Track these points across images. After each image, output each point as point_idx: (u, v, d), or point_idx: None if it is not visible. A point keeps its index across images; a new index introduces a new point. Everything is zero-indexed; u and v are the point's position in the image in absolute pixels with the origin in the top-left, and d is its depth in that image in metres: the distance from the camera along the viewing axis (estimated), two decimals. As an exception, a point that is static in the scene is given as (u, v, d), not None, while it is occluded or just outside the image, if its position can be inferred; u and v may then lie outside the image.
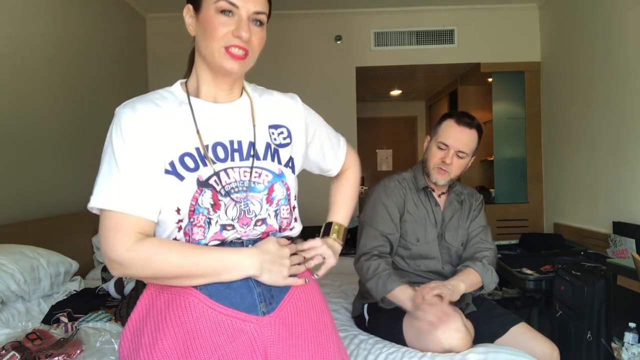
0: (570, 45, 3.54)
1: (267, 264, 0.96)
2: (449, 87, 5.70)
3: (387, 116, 7.32)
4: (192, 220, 0.94)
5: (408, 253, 1.73)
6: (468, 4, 4.06)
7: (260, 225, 1.00)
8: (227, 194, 0.96)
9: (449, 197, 1.80)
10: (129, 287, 2.11)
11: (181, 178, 0.94)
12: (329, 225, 1.21)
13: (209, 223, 0.95)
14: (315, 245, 1.08)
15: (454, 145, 1.68)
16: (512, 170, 4.23)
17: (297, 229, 1.09)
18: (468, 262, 1.70)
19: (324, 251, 1.08)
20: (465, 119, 1.69)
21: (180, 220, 0.94)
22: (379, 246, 1.69)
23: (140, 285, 2.01)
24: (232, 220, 0.96)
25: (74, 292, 2.11)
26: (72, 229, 2.70)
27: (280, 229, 1.04)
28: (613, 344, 2.03)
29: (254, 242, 1.00)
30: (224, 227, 0.96)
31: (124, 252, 0.90)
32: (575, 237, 3.36)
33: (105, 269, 2.41)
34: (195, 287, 0.95)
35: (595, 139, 3.17)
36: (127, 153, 0.93)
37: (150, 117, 0.96)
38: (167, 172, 0.94)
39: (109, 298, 2.10)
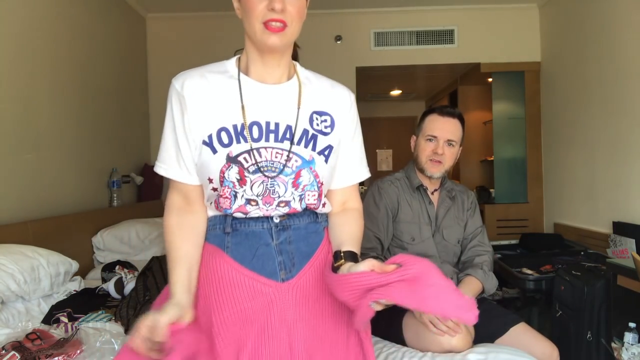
0: (570, 45, 3.54)
1: None
2: (449, 87, 5.70)
3: (387, 116, 7.32)
4: (219, 192, 1.03)
5: (405, 253, 1.73)
6: (468, 4, 4.05)
7: (283, 207, 1.04)
8: (257, 171, 1.01)
9: (441, 195, 1.82)
10: (129, 287, 2.11)
11: (214, 151, 1.01)
12: (354, 254, 1.05)
13: (235, 196, 1.02)
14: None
15: (442, 135, 1.72)
16: (512, 170, 4.23)
17: (328, 209, 1.13)
18: (469, 270, 1.71)
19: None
20: (447, 110, 1.76)
21: (215, 189, 1.03)
22: (373, 247, 1.70)
23: (140, 286, 2.01)
24: (257, 196, 1.02)
25: (74, 292, 2.11)
26: (72, 229, 2.70)
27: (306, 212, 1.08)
28: (613, 344, 2.03)
29: (279, 218, 1.04)
30: (248, 201, 1.02)
31: (166, 210, 1.10)
32: (575, 237, 3.36)
33: (105, 269, 2.40)
34: (225, 251, 1.05)
35: (595, 138, 3.17)
36: (173, 125, 1.05)
37: (195, 92, 1.03)
38: (204, 142, 1.02)
39: (109, 298, 2.10)
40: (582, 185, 3.36)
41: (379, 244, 1.72)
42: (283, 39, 1.00)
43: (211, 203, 1.06)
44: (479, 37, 4.14)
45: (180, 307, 0.98)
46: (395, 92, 6.41)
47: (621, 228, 2.75)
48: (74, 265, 2.17)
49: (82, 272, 2.53)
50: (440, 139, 1.72)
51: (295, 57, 1.19)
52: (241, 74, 1.06)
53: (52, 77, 2.68)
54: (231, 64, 1.08)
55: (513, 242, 3.47)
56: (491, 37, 4.13)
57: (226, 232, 1.05)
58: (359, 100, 4.73)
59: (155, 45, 4.15)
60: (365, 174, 1.24)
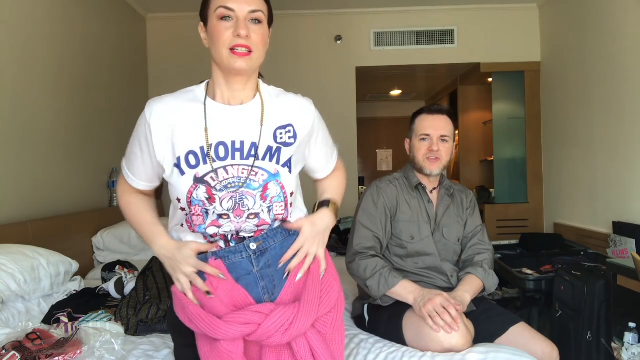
0: (570, 45, 3.54)
1: (167, 262, 1.13)
2: (449, 87, 5.70)
3: (387, 116, 7.32)
4: (190, 210, 1.10)
5: (405, 252, 1.74)
6: (468, 4, 4.06)
7: (253, 219, 1.11)
8: (224, 188, 1.08)
9: (440, 193, 1.83)
10: (129, 287, 2.11)
11: (182, 173, 1.08)
12: (322, 202, 1.26)
13: (207, 213, 1.09)
14: (297, 247, 1.14)
15: (434, 132, 1.76)
16: (512, 170, 4.23)
17: (295, 216, 1.19)
18: (469, 268, 1.72)
19: (311, 249, 1.15)
20: (435, 107, 1.81)
21: (183, 209, 1.11)
22: (373, 247, 1.70)
23: (140, 286, 2.01)
24: (228, 210, 1.09)
25: (74, 292, 2.11)
26: (72, 229, 2.70)
27: (274, 224, 1.14)
28: (613, 344, 2.03)
29: (255, 239, 1.11)
30: (220, 216, 1.09)
31: (118, 195, 1.24)
32: (575, 237, 3.36)
33: (105, 269, 2.40)
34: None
35: (595, 138, 3.17)
36: (139, 139, 1.13)
37: (164, 118, 1.10)
38: (174, 165, 1.09)
39: (109, 298, 2.10)
40: (582, 185, 3.36)
41: (377, 243, 1.72)
42: (249, 62, 1.07)
43: (182, 225, 1.14)
44: (479, 37, 4.14)
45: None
46: (395, 92, 6.41)
47: (621, 228, 2.75)
48: (74, 265, 2.17)
49: (82, 272, 2.53)
50: (434, 136, 1.75)
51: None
52: (207, 98, 1.13)
53: (52, 77, 2.68)
54: (200, 88, 1.15)
55: (513, 242, 3.47)
56: (491, 37, 4.13)
57: None
58: (359, 100, 4.74)
59: (155, 45, 4.15)
60: (335, 157, 1.35)
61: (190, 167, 1.08)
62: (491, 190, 4.51)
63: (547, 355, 1.53)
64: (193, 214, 1.09)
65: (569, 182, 3.58)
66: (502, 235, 3.83)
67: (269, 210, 1.11)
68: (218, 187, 1.07)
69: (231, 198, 1.08)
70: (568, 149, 3.58)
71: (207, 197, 1.07)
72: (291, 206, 1.15)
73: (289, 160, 1.14)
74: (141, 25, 4.08)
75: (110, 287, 2.14)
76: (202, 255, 1.11)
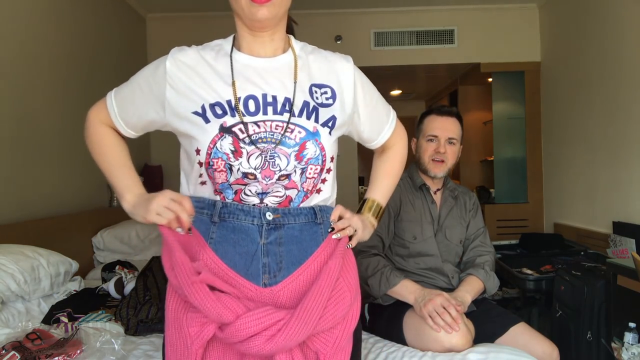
0: (570, 45, 3.54)
1: (138, 207, 1.00)
2: (449, 87, 5.70)
3: (387, 116, 7.32)
4: (212, 164, 0.96)
5: (406, 252, 1.74)
6: (468, 4, 4.06)
7: (283, 180, 0.97)
8: (253, 142, 0.95)
9: (444, 194, 1.83)
10: (129, 287, 2.11)
11: (207, 121, 0.96)
12: (365, 202, 1.21)
13: (230, 169, 0.96)
14: (344, 216, 1.05)
15: (442, 134, 1.74)
16: (512, 170, 4.23)
17: (327, 194, 1.06)
18: (471, 269, 1.72)
19: (354, 223, 1.05)
20: (445, 109, 1.79)
21: (201, 163, 0.98)
22: (375, 245, 1.71)
23: (140, 286, 2.01)
24: (255, 169, 0.95)
25: (74, 292, 2.11)
26: (72, 229, 2.70)
27: (303, 188, 1.00)
28: (613, 344, 2.03)
29: (275, 210, 0.98)
30: (245, 175, 0.96)
31: (90, 122, 1.14)
32: (575, 237, 3.36)
33: (104, 269, 2.40)
34: (208, 243, 0.97)
35: (595, 138, 3.17)
36: (144, 78, 1.05)
37: (187, 66, 1.01)
38: (195, 113, 0.97)
39: (109, 298, 2.10)
40: (582, 185, 3.36)
41: (380, 242, 1.72)
42: (272, 9, 0.94)
43: (204, 182, 1.00)
44: (479, 37, 4.14)
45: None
46: (395, 92, 6.41)
47: (621, 228, 2.75)
48: (74, 265, 2.17)
49: (82, 272, 2.53)
50: (441, 138, 1.74)
51: (291, 32, 1.14)
52: (235, 50, 1.03)
53: (52, 77, 2.68)
54: (227, 42, 1.05)
55: (513, 242, 3.47)
56: (491, 37, 4.13)
57: (213, 220, 0.97)
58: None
59: (155, 45, 4.15)
60: (392, 120, 1.27)
61: (217, 116, 0.96)
62: (491, 190, 4.51)
63: (547, 355, 1.53)
64: (215, 169, 0.96)
65: (569, 182, 3.58)
66: (502, 235, 3.83)
67: (302, 172, 0.98)
68: (246, 140, 0.95)
69: (260, 154, 0.95)
70: (568, 149, 3.58)
71: (232, 149, 0.94)
72: (328, 172, 1.03)
73: (331, 119, 1.02)
74: (141, 25, 4.08)
75: (110, 287, 2.14)
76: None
